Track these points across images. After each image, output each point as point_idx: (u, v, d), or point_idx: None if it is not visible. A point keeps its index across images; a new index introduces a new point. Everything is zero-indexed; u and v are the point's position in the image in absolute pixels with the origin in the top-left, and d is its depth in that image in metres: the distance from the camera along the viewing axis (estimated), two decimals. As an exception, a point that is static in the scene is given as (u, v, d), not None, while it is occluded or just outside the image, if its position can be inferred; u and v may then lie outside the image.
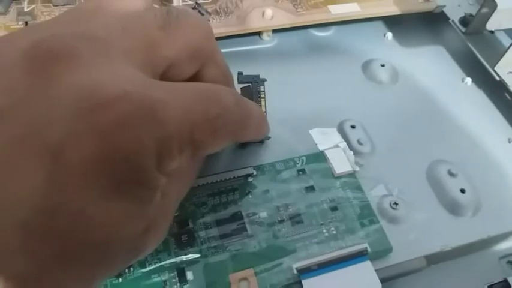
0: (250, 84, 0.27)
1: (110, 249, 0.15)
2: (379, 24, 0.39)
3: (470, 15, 0.36)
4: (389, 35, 0.38)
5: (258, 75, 0.27)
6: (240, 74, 0.27)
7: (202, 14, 0.33)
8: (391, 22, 0.38)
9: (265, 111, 0.27)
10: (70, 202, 0.13)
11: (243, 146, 0.28)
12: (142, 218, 0.16)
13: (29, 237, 0.12)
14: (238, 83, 0.27)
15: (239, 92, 0.27)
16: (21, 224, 0.12)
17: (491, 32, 0.37)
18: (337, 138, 0.29)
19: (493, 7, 0.29)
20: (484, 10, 0.30)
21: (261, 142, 0.28)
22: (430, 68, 0.36)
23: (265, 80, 0.27)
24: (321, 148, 0.28)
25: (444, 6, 0.37)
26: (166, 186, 0.17)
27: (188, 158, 0.17)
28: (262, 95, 0.27)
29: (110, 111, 0.14)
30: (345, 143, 0.29)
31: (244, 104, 0.21)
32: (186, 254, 0.23)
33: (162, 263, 0.22)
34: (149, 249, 0.18)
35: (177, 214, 0.24)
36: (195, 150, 0.17)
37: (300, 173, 0.27)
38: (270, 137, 0.28)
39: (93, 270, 0.15)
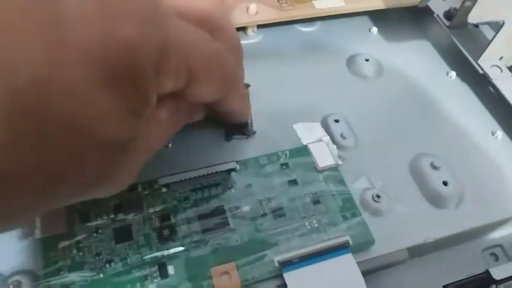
0: None
1: (85, 143, 0.14)
2: (365, 19, 0.39)
3: (455, 9, 0.36)
4: (375, 29, 0.38)
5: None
6: None
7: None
8: (377, 17, 0.39)
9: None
10: (65, 79, 0.12)
11: (228, 137, 0.28)
12: (125, 128, 0.15)
13: (17, 105, 0.12)
14: None
15: None
16: (13, 89, 0.12)
17: (476, 25, 0.37)
18: (321, 133, 0.29)
19: (474, 0, 0.29)
20: (467, 3, 0.30)
21: (247, 136, 0.28)
22: (415, 62, 0.36)
23: (249, 85, 0.28)
24: (304, 142, 0.28)
25: (429, 0, 0.37)
26: (150, 128, 0.18)
27: (179, 86, 0.18)
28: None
29: (125, 2, 0.14)
30: (328, 137, 0.29)
31: (239, 71, 0.22)
32: (167, 249, 0.23)
33: (143, 258, 0.22)
34: (108, 187, 0.18)
35: (158, 209, 0.24)
36: (188, 82, 0.18)
37: (283, 167, 0.27)
38: (255, 132, 0.28)
39: (62, 162, 0.14)
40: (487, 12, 0.30)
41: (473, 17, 0.30)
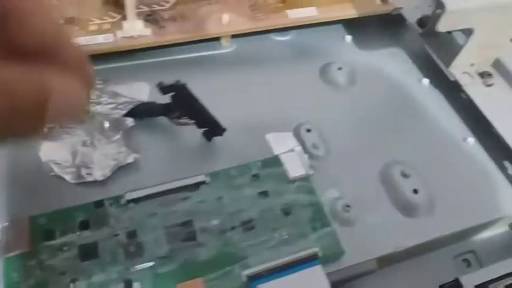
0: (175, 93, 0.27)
1: None
2: (339, 28, 0.39)
3: (427, 16, 0.36)
4: (348, 38, 0.38)
5: (179, 80, 0.26)
6: (160, 84, 0.26)
7: (157, 21, 0.32)
8: (351, 25, 0.39)
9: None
10: None
11: (209, 138, 0.28)
12: None
13: None
14: (163, 94, 0.26)
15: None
16: None
17: (449, 32, 0.37)
18: (293, 142, 0.29)
19: (442, 9, 0.29)
20: (438, 11, 0.30)
21: (220, 134, 0.28)
22: (388, 69, 0.36)
23: (186, 84, 0.27)
24: (276, 152, 0.28)
25: (401, 8, 0.37)
26: None
27: None
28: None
29: None
30: (300, 147, 0.29)
31: None
32: (134, 265, 0.22)
33: (109, 275, 0.22)
34: None
35: (125, 225, 0.24)
36: None
37: (255, 178, 0.27)
38: (225, 129, 0.28)
39: None
40: (456, 21, 0.30)
41: (442, 26, 0.30)
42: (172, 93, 0.26)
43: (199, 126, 0.27)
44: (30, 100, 0.13)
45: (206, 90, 0.32)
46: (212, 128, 0.28)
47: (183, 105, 0.26)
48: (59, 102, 0.13)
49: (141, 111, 0.28)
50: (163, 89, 0.26)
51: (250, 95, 0.32)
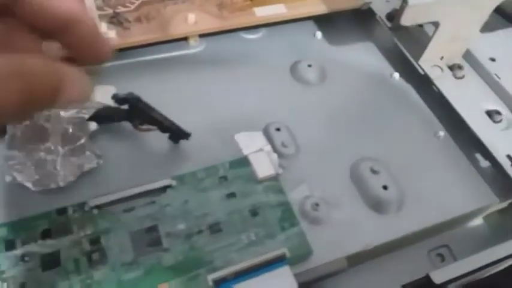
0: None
1: None
2: (310, 24, 0.39)
3: (396, 10, 0.36)
4: (319, 34, 0.38)
5: (132, 93, 0.26)
6: (114, 96, 0.26)
7: (122, 23, 0.32)
8: (322, 21, 0.38)
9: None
10: None
11: (176, 141, 0.28)
12: None
13: None
14: (119, 105, 0.26)
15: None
16: None
17: (420, 25, 0.37)
18: (262, 142, 0.29)
19: (405, 2, 0.29)
20: (402, 5, 0.30)
21: (186, 138, 0.28)
22: (359, 64, 0.36)
23: (139, 97, 0.26)
24: (245, 153, 0.28)
25: (370, 2, 0.37)
26: None
27: None
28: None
29: None
30: (269, 146, 0.28)
31: None
32: (97, 273, 0.22)
33: (72, 285, 0.22)
34: None
35: (89, 232, 0.23)
36: None
37: (222, 180, 0.26)
38: (189, 134, 0.28)
39: None
40: (419, 15, 0.30)
41: (406, 20, 0.30)
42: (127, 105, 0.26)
43: (163, 131, 0.27)
44: (48, 88, 0.15)
45: (175, 91, 0.31)
46: (176, 134, 0.27)
47: (140, 115, 0.26)
48: (71, 90, 0.16)
49: (104, 116, 0.27)
50: (118, 100, 0.26)
51: (219, 95, 0.32)
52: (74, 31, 0.17)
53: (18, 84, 0.14)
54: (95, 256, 0.22)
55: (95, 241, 0.23)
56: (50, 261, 0.22)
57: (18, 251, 0.22)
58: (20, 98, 0.15)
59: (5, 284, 0.21)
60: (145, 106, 0.26)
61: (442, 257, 0.28)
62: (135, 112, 0.26)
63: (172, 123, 0.27)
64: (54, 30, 0.16)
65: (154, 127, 0.27)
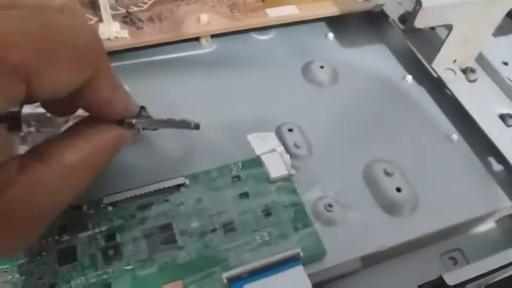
0: None
1: None
2: (321, 25, 0.39)
3: (409, 12, 0.36)
4: (331, 35, 0.38)
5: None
6: None
7: (135, 22, 0.32)
8: (333, 23, 0.38)
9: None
10: None
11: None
12: None
13: None
14: None
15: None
16: None
17: (432, 28, 0.37)
18: (275, 142, 0.29)
19: (419, 5, 0.29)
20: (416, 8, 0.30)
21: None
22: (371, 66, 0.36)
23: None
24: (258, 153, 0.28)
25: (383, 4, 0.37)
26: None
27: (16, 93, 0.14)
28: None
29: None
30: (282, 147, 0.28)
31: (99, 45, 0.18)
32: (113, 269, 0.22)
33: (88, 279, 0.22)
34: None
35: (104, 229, 0.23)
36: (27, 78, 0.14)
37: (235, 179, 0.26)
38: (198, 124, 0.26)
39: None
40: (433, 17, 0.30)
41: (419, 22, 0.30)
42: None
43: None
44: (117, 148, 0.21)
45: (187, 91, 0.31)
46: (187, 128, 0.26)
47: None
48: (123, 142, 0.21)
49: None
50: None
51: (231, 95, 0.32)
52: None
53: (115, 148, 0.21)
54: (110, 252, 0.22)
55: (110, 237, 0.23)
56: (66, 256, 0.22)
57: (35, 246, 0.22)
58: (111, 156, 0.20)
59: (23, 277, 0.21)
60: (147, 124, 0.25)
61: (454, 260, 0.28)
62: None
63: (177, 124, 0.26)
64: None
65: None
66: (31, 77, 0.14)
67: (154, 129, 0.25)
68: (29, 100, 0.16)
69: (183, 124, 0.26)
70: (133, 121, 0.22)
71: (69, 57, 0.15)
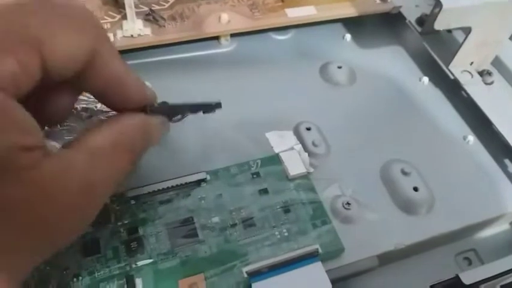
0: None
1: None
2: (339, 26, 0.39)
3: (426, 15, 0.36)
4: (348, 36, 0.38)
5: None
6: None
7: (157, 20, 0.33)
8: (351, 24, 0.39)
9: None
10: None
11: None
12: None
13: None
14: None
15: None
16: None
17: (449, 31, 0.37)
18: (293, 141, 0.29)
19: (439, 7, 0.29)
20: (436, 10, 0.30)
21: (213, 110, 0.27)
22: (388, 68, 0.36)
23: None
24: (276, 151, 0.28)
25: (400, 6, 0.37)
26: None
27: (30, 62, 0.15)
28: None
29: None
30: (300, 145, 0.29)
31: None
32: (135, 262, 0.23)
33: (111, 271, 0.22)
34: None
35: (126, 222, 0.24)
36: (39, 48, 0.16)
37: (255, 176, 0.27)
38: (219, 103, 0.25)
39: None
40: (453, 19, 0.30)
41: (439, 24, 0.30)
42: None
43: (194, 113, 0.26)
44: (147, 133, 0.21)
45: (206, 89, 0.32)
46: (207, 110, 0.26)
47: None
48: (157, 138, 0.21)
49: None
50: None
51: (250, 94, 0.32)
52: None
53: (144, 137, 0.20)
54: (133, 245, 0.23)
55: (132, 231, 0.24)
56: (90, 248, 0.23)
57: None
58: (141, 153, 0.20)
59: (48, 268, 0.22)
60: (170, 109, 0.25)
61: (469, 261, 0.28)
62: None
63: (198, 106, 0.26)
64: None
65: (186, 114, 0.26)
66: (43, 45, 0.15)
67: (180, 120, 0.25)
68: (46, 75, 0.16)
69: (206, 107, 0.25)
70: (155, 105, 0.22)
71: (70, 24, 0.17)
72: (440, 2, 0.28)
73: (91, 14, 0.19)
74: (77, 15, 0.18)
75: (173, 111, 0.24)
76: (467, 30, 0.32)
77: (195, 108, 0.25)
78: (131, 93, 0.20)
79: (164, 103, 0.24)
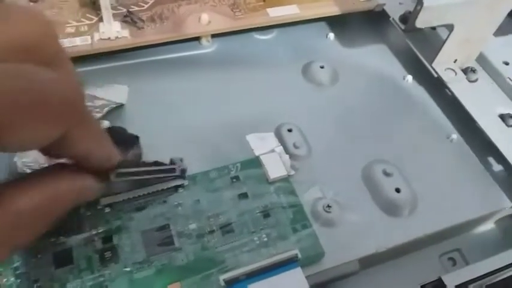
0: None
1: None
2: (322, 25, 0.39)
3: (410, 12, 0.36)
4: (331, 35, 0.37)
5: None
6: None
7: (135, 22, 0.32)
8: (334, 23, 0.38)
9: None
10: None
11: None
12: None
13: None
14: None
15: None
16: None
17: (433, 28, 0.37)
18: (274, 143, 0.29)
19: (421, 5, 0.28)
20: (417, 8, 0.30)
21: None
22: (372, 66, 0.35)
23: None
24: (257, 153, 0.28)
25: (384, 4, 0.37)
26: None
27: None
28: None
29: None
30: (281, 147, 0.28)
31: (81, 101, 0.17)
32: (109, 271, 0.22)
33: (85, 282, 0.22)
34: None
35: (101, 230, 0.23)
36: None
37: (234, 180, 0.26)
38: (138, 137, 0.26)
39: None
40: (435, 17, 0.30)
41: (421, 22, 0.30)
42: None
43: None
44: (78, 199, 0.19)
45: (186, 91, 0.31)
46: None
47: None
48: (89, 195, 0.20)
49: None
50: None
51: (231, 95, 0.32)
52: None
53: (75, 199, 0.19)
54: (107, 254, 0.22)
55: (107, 239, 0.23)
56: (63, 259, 0.22)
57: (31, 248, 0.22)
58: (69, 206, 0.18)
59: (19, 280, 0.21)
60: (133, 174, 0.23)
61: (453, 261, 0.28)
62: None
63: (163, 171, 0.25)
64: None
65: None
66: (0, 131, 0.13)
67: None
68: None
69: (169, 171, 0.25)
70: (113, 177, 0.21)
71: (42, 114, 0.14)
72: (421, 0, 0.28)
73: (75, 95, 0.16)
74: (56, 102, 0.15)
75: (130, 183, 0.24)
76: (451, 28, 0.31)
77: (156, 174, 0.24)
78: (96, 162, 0.19)
79: (136, 137, 0.24)
